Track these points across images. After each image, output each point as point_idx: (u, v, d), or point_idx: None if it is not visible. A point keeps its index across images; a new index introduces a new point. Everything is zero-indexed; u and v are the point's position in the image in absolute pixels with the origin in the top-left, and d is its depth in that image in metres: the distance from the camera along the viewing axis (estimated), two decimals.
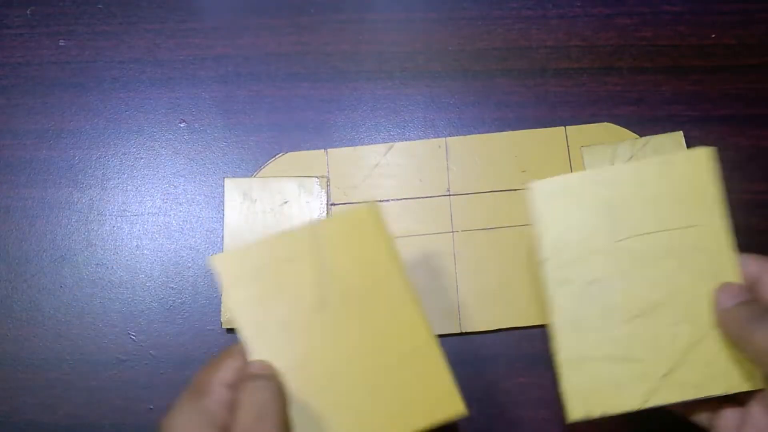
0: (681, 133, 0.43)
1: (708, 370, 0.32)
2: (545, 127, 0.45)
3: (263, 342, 0.33)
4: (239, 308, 0.33)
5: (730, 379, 0.32)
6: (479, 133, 0.45)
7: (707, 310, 0.32)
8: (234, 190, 0.44)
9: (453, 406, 0.32)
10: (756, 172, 0.44)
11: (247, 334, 0.32)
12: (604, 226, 0.35)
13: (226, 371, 0.31)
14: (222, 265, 0.33)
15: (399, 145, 0.45)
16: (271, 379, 0.31)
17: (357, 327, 0.33)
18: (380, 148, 0.45)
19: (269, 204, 0.43)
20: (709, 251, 0.33)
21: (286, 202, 0.43)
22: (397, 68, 0.47)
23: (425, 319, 0.33)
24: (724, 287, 0.32)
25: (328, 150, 0.45)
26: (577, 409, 0.33)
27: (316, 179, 0.44)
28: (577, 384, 0.34)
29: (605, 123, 0.45)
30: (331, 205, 0.44)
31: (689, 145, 0.43)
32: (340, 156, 0.45)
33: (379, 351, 0.33)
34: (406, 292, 0.34)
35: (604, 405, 0.33)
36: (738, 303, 0.31)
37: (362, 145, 0.45)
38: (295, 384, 0.32)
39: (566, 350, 0.34)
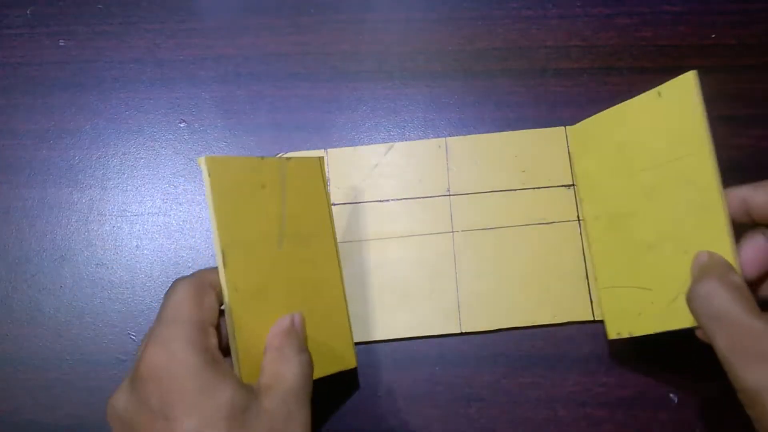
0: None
1: None
2: (545, 127, 0.45)
3: (235, 260, 0.32)
4: (219, 212, 0.32)
5: None
6: (479, 133, 0.45)
7: (700, 242, 0.32)
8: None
9: (347, 361, 0.38)
10: (756, 172, 0.44)
11: (225, 248, 0.32)
12: (618, 164, 0.37)
13: (209, 308, 0.30)
14: (212, 167, 0.32)
15: (399, 145, 0.45)
16: (307, 349, 0.33)
17: (297, 272, 0.36)
18: (380, 148, 0.45)
19: None
20: (698, 184, 0.33)
21: None
22: (397, 68, 0.47)
23: (341, 278, 0.38)
24: (697, 255, 0.32)
25: (328, 150, 0.45)
26: (612, 329, 0.39)
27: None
28: (611, 309, 0.39)
29: None
30: (332, 205, 0.44)
31: None
32: (340, 156, 0.45)
33: (308, 298, 0.36)
34: (333, 249, 0.38)
35: (631, 328, 0.37)
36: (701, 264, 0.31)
37: (362, 145, 0.45)
38: (255, 304, 0.33)
39: (601, 279, 0.39)
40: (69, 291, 0.44)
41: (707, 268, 0.31)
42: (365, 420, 0.40)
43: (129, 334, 0.43)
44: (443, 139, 0.45)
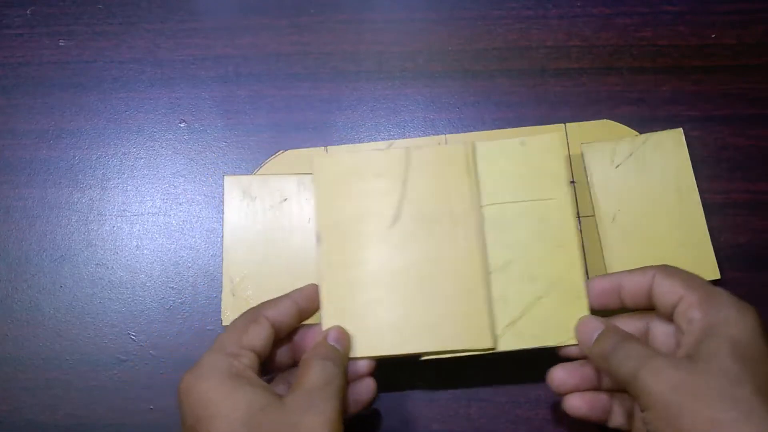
0: (681, 130, 0.43)
1: (545, 324, 0.37)
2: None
3: (332, 242, 0.38)
4: (322, 205, 0.39)
5: (563, 334, 0.36)
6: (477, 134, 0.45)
7: (549, 272, 0.38)
8: (233, 187, 0.43)
9: (482, 340, 0.37)
10: (756, 172, 0.44)
11: (321, 229, 0.38)
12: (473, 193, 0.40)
13: (252, 336, 0.33)
14: (318, 165, 0.39)
15: (399, 142, 0.45)
16: (338, 360, 0.34)
17: (418, 249, 0.38)
18: (380, 145, 0.45)
19: (269, 201, 0.43)
20: (556, 222, 0.38)
21: (285, 200, 0.43)
22: (397, 68, 0.47)
23: (485, 260, 0.38)
24: (582, 324, 0.36)
25: (329, 147, 0.45)
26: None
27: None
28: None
29: (605, 120, 0.45)
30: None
31: (690, 144, 0.43)
32: (341, 151, 0.45)
33: (431, 276, 0.38)
34: (472, 232, 0.38)
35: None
36: (596, 336, 0.35)
37: (362, 142, 0.45)
38: (349, 283, 0.38)
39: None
40: (69, 291, 0.44)
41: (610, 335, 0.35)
42: (365, 420, 0.40)
43: (129, 334, 0.43)
44: (443, 136, 0.45)
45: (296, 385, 0.33)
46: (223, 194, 0.44)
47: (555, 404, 0.40)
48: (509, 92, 0.46)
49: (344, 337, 0.36)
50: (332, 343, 0.35)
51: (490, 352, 0.37)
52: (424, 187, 0.39)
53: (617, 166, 0.42)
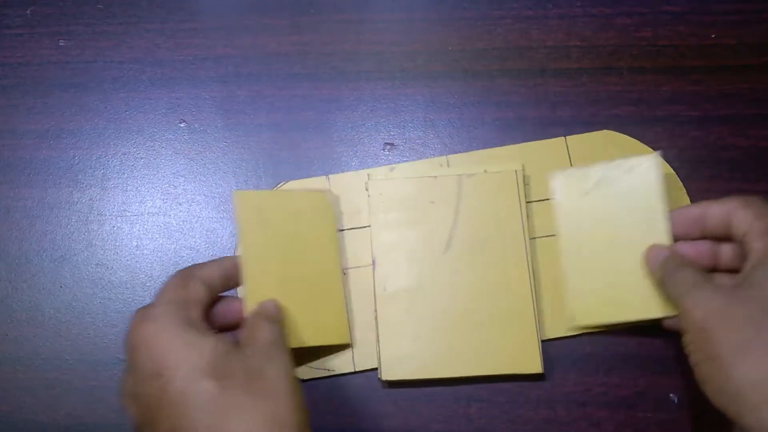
0: (657, 154, 0.39)
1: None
2: (546, 127, 0.45)
3: (388, 263, 0.41)
4: (379, 230, 0.42)
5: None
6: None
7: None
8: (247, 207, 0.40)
9: (533, 366, 0.40)
10: (756, 172, 0.44)
11: (377, 253, 0.41)
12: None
13: (193, 291, 0.35)
14: (374, 190, 0.42)
15: (401, 167, 0.45)
16: (280, 323, 0.36)
17: (470, 274, 0.41)
18: (382, 170, 0.44)
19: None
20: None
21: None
22: (397, 68, 0.47)
23: (532, 286, 0.40)
24: (651, 250, 0.38)
25: (330, 176, 0.44)
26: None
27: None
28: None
29: (605, 131, 0.44)
30: (339, 230, 0.43)
31: (690, 144, 0.43)
32: (342, 181, 0.44)
33: (483, 300, 0.40)
34: (523, 258, 0.41)
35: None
36: (661, 262, 0.37)
37: (364, 168, 0.44)
38: (404, 302, 0.41)
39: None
40: (69, 291, 0.44)
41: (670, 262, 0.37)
42: (365, 420, 0.41)
43: None
44: (445, 157, 0.44)
45: (249, 340, 0.34)
46: (222, 195, 0.44)
47: (555, 404, 0.40)
48: (509, 92, 0.46)
49: (281, 310, 0.37)
50: (276, 311, 0.37)
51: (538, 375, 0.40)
52: (476, 211, 0.42)
53: (586, 194, 0.41)
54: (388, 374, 0.40)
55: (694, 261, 0.37)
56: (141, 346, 0.32)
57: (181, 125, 0.47)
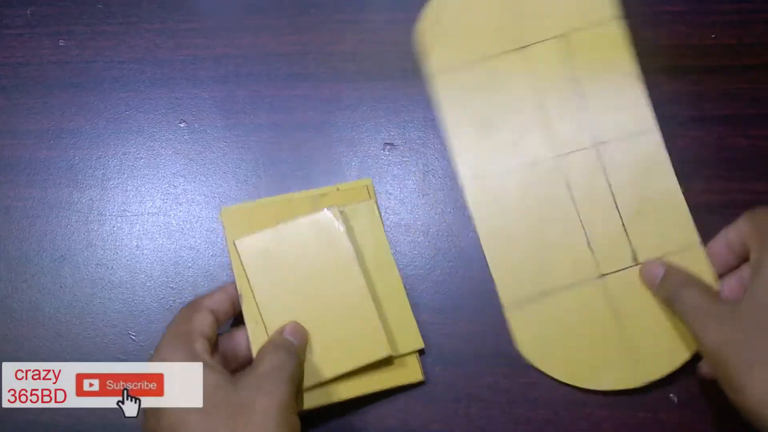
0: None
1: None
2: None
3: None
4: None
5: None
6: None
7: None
8: (251, 253, 0.40)
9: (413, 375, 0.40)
10: (756, 172, 0.44)
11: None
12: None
13: (199, 323, 0.36)
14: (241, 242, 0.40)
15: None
16: (292, 350, 0.37)
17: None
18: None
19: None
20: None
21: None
22: (397, 68, 0.47)
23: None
24: (645, 268, 0.40)
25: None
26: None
27: (327, 210, 0.41)
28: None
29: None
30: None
31: (690, 144, 0.43)
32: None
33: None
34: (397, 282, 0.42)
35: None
36: (660, 280, 0.38)
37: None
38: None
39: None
40: (69, 291, 0.44)
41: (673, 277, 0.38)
42: (365, 419, 0.40)
43: (129, 334, 0.43)
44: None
45: (249, 370, 0.35)
46: (222, 196, 0.44)
47: (555, 404, 0.40)
48: None
49: (299, 331, 0.38)
50: (287, 336, 0.38)
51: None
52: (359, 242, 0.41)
53: (274, 254, 0.40)
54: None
55: (690, 274, 0.38)
56: None
57: (181, 125, 0.47)
